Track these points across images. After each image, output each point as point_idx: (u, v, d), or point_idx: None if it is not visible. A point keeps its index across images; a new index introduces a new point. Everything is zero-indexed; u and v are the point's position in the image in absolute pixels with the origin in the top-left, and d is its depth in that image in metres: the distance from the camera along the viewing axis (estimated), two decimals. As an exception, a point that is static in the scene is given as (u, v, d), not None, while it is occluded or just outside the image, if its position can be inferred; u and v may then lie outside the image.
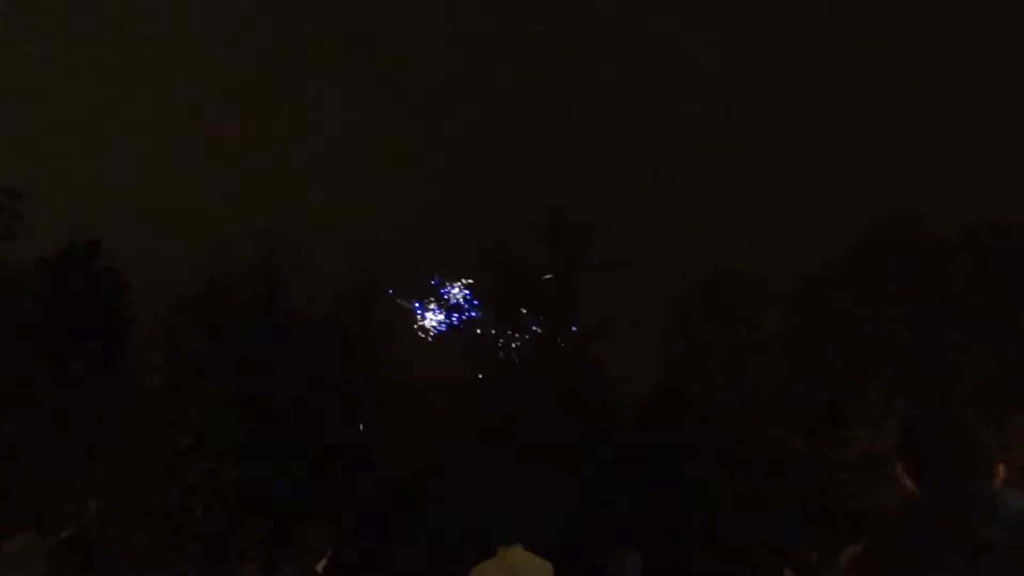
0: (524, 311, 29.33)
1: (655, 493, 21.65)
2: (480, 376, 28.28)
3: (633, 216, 42.96)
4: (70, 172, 36.85)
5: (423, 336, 29.52)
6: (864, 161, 42.54)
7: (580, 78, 50.63)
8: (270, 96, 48.84)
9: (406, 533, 19.77)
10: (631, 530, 14.75)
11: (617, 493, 21.50)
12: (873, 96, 45.67)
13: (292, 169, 46.31)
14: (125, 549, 7.08)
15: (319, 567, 4.26)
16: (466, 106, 48.01)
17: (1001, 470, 1.98)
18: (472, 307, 29.77)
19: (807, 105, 46.62)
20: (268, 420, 18.01)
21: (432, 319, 29.76)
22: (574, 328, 29.21)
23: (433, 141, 47.21)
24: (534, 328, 29.50)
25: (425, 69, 50.02)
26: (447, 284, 29.70)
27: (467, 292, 29.62)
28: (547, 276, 29.09)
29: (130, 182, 41.38)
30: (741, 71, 47.59)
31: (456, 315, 29.71)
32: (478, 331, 29.64)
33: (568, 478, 21.82)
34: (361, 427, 23.13)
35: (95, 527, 6.75)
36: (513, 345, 29.38)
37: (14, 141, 36.70)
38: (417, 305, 29.68)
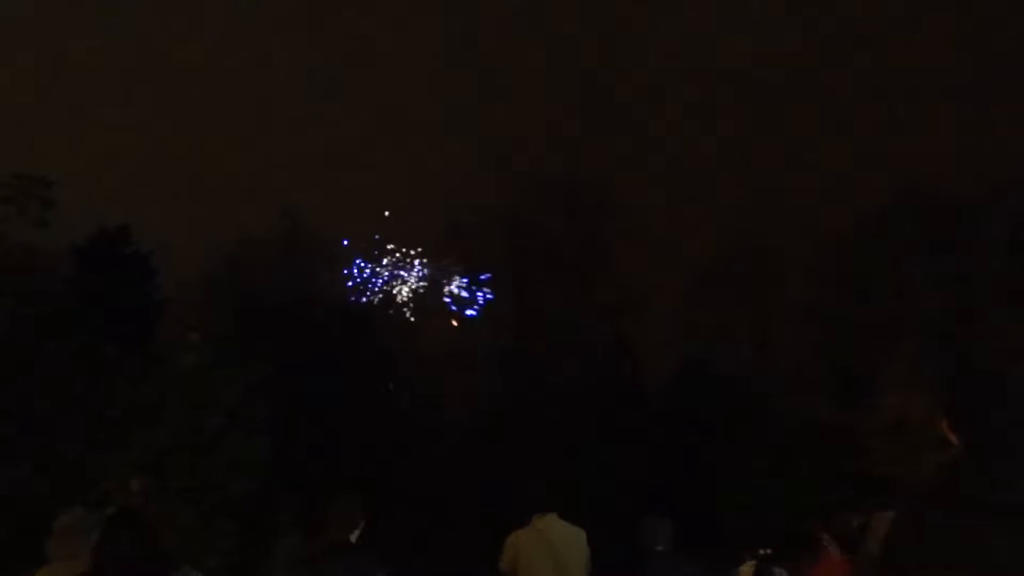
0: (547, 283, 29.32)
1: (684, 463, 21.74)
2: (504, 350, 28.38)
3: (656, 186, 42.61)
4: (97, 158, 37.20)
5: (447, 311, 29.69)
6: (891, 125, 41.79)
7: (605, 47, 50.02)
8: (295, 78, 48.94)
9: (439, 505, 20.03)
10: (662, 499, 14.83)
11: (646, 463, 21.60)
12: (901, 61, 44.74)
13: (314, 147, 46.49)
14: (165, 526, 7.24)
15: (352, 538, 4.33)
16: (488, 80, 47.71)
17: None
18: (494, 282, 29.86)
19: (834, 70, 45.81)
20: (298, 399, 18.27)
21: (455, 294, 29.92)
22: (597, 301, 29.18)
23: (453, 116, 47.05)
24: (557, 301, 29.50)
25: (448, 43, 49.72)
26: (468, 259, 29.79)
27: (488, 267, 29.70)
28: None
29: (155, 168, 41.74)
30: (769, 38, 46.79)
31: (479, 290, 29.82)
32: (501, 305, 29.73)
33: (597, 450, 21.95)
34: (389, 402, 23.36)
35: (138, 505, 6.92)
36: (535, 319, 29.42)
37: (42, 127, 37.12)
38: (440, 280, 29.86)
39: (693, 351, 26.82)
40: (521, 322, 29.32)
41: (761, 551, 5.98)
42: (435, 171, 43.67)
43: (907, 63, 44.07)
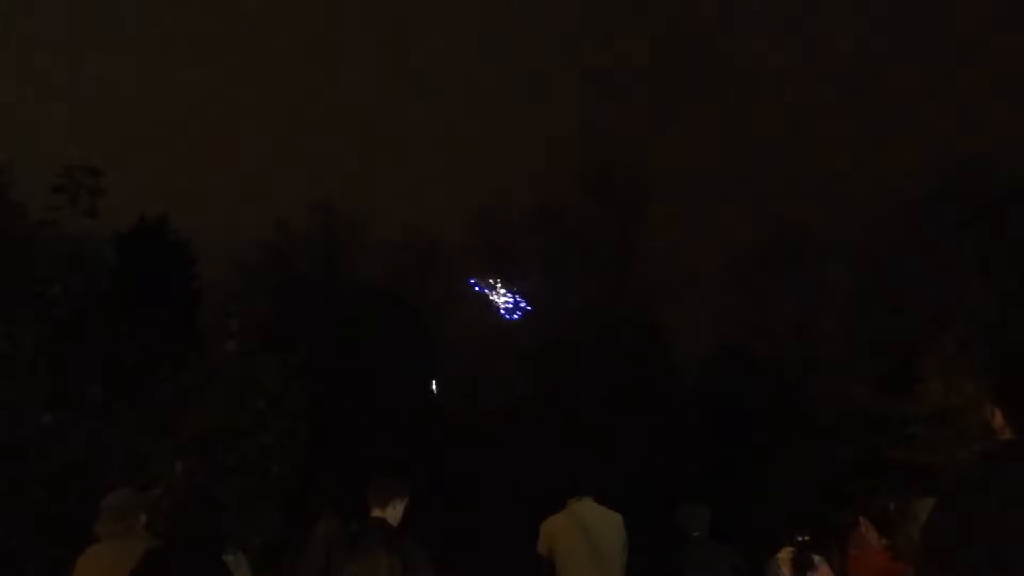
0: (581, 270, 29.23)
1: (721, 449, 21.62)
2: (540, 337, 28.40)
3: (696, 172, 42.18)
4: (136, 147, 37.95)
5: (482, 299, 29.77)
6: (933, 109, 40.69)
7: (645, 33, 49.47)
8: (331, 71, 49.28)
9: (475, 490, 20.20)
10: (698, 486, 14.80)
11: (682, 450, 21.53)
12: (942, 46, 43.52)
13: (349, 138, 46.82)
14: (209, 506, 7.41)
15: (393, 520, 4.39)
16: (524, 65, 47.57)
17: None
18: (528, 268, 29.84)
19: (875, 54, 44.71)
20: (336, 384, 18.54)
21: (490, 282, 29.97)
22: (632, 287, 29.03)
23: (487, 104, 46.97)
24: (592, 288, 29.40)
25: (482, 32, 49.60)
26: (503, 246, 29.80)
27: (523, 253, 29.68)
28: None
29: (193, 157, 42.40)
30: (809, 27, 45.88)
31: (514, 276, 29.82)
32: (536, 292, 29.71)
33: (632, 436, 21.91)
34: (428, 388, 23.58)
35: (182, 485, 7.12)
36: (571, 305, 29.35)
37: (83, 116, 37.92)
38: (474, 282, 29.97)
39: (730, 337, 26.59)
40: (556, 309, 29.28)
41: (799, 537, 5.94)
42: (469, 159, 43.75)
43: (946, 48, 42.88)
